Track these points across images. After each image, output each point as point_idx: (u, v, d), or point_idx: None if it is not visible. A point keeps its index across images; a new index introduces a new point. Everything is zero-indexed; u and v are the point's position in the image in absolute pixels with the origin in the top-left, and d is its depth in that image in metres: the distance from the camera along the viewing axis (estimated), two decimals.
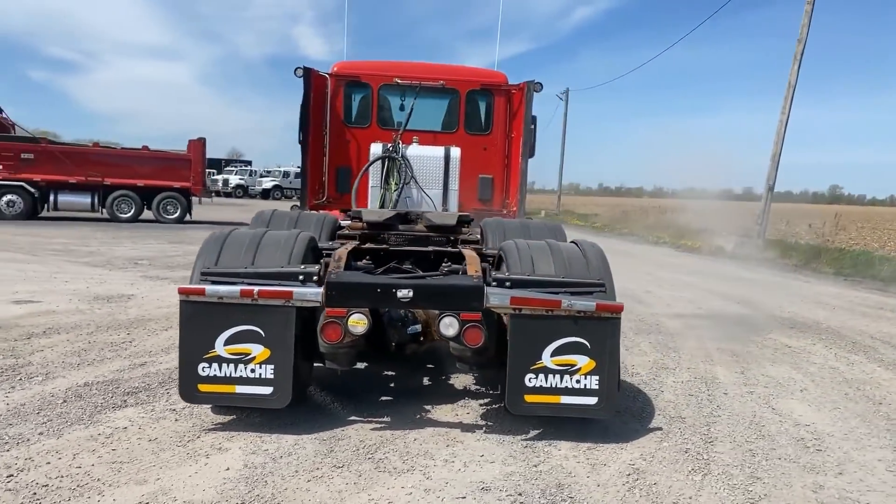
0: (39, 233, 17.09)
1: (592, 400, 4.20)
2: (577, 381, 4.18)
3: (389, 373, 5.72)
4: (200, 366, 4.09)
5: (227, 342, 4.09)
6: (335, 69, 8.48)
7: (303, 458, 3.85)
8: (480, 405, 4.95)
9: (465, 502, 3.41)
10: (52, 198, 21.48)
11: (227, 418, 4.43)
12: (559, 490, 3.59)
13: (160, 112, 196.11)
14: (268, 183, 54.21)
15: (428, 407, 4.83)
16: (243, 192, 54.34)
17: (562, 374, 4.17)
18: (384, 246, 5.24)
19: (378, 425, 4.42)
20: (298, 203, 8.28)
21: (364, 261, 4.70)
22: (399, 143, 7.77)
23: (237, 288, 4.06)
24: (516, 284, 4.32)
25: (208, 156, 25.62)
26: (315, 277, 4.17)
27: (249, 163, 63.35)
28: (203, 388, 4.12)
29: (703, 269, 16.13)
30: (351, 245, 5.06)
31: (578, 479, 3.73)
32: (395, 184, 7.65)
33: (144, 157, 22.80)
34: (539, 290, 4.26)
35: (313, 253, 4.66)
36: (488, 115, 8.62)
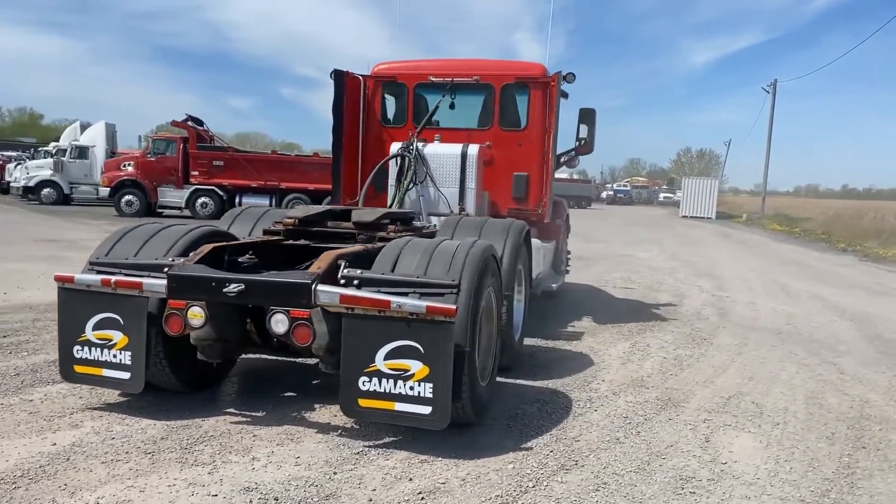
0: None
1: (426, 409, 3.88)
2: (411, 388, 3.89)
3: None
4: (75, 348, 4.42)
5: (95, 327, 4.38)
6: (373, 71, 8.60)
7: (126, 442, 4.00)
8: None
9: (205, 499, 3.34)
10: (237, 200, 24.01)
11: (120, 399, 4.73)
12: (318, 499, 3.38)
13: None
14: None
15: (316, 406, 4.77)
16: None
17: (395, 379, 3.91)
18: (283, 240, 5.28)
19: (241, 419, 4.46)
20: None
21: (247, 255, 4.75)
22: (414, 142, 7.70)
23: (98, 277, 4.35)
24: (365, 283, 4.13)
25: None
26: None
27: None
28: (78, 368, 4.44)
29: (862, 283, 13.90)
30: (261, 239, 5.17)
31: (359, 493, 3.49)
32: (410, 182, 7.60)
33: (315, 163, 24.61)
34: (377, 290, 4.04)
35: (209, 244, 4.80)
36: (524, 110, 8.20)
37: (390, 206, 7.59)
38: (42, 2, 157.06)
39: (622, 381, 5.68)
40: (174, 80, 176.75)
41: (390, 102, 8.61)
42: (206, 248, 4.53)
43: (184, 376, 4.70)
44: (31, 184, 29.05)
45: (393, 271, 4.19)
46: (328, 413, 4.62)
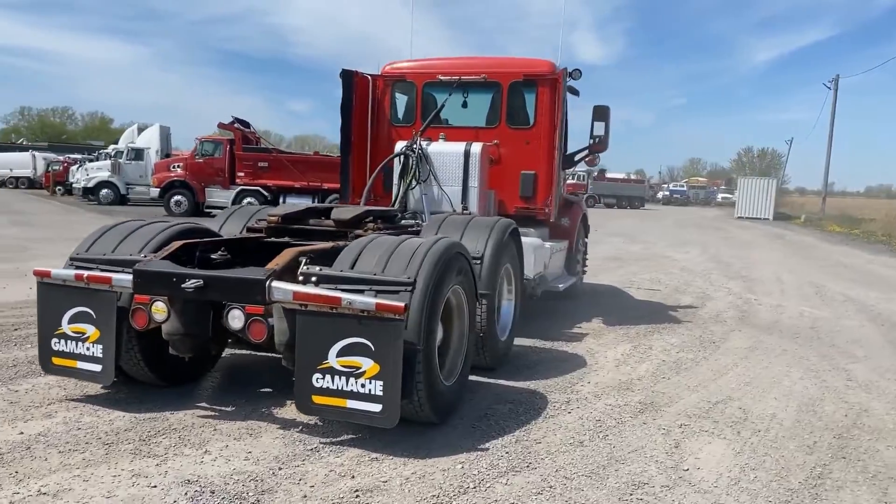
0: None
1: (377, 407, 3.87)
2: (363, 386, 3.89)
3: None
4: (53, 341, 4.57)
5: (70, 321, 4.52)
6: (383, 70, 8.62)
7: (89, 433, 4.10)
8: None
9: (143, 490, 3.40)
10: (280, 200, 24.45)
11: (100, 392, 4.87)
12: (254, 494, 3.40)
13: None
14: None
15: (287, 402, 4.79)
16: None
17: (347, 376, 3.91)
18: (258, 235, 5.34)
19: (210, 413, 4.53)
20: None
21: (219, 252, 4.82)
22: (417, 141, 7.70)
23: (72, 272, 4.49)
24: (322, 280, 4.14)
25: None
26: None
27: None
28: (55, 360, 4.59)
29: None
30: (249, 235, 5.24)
31: (297, 489, 3.49)
32: (413, 181, 7.60)
33: None
34: (335, 287, 4.05)
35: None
36: (531, 108, 8.09)
37: (393, 205, 7.60)
38: (114, 11, 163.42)
39: (609, 384, 5.54)
40: (236, 83, 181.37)
41: (400, 102, 8.62)
42: (176, 244, 4.62)
43: (160, 370, 4.80)
44: (91, 185, 30.28)
45: (352, 269, 4.19)
46: (295, 410, 4.64)
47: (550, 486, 3.62)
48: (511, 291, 6.15)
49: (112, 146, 34.98)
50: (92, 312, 4.46)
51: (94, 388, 4.90)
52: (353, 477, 3.65)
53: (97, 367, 4.46)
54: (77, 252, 4.78)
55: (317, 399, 3.98)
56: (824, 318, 9.02)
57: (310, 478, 3.62)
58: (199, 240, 4.84)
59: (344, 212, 5.54)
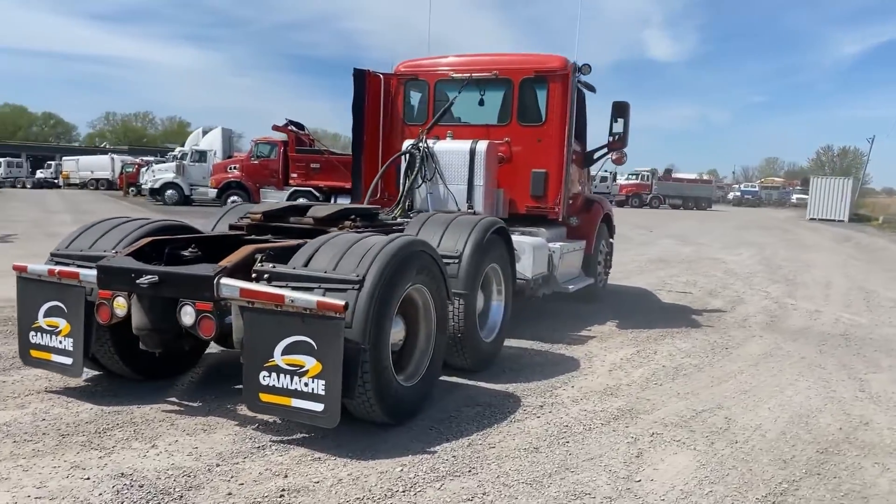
0: None
1: (319, 406, 3.82)
2: (306, 385, 3.85)
3: None
4: (31, 334, 4.71)
5: (45, 314, 4.65)
6: (396, 69, 8.60)
7: (52, 424, 4.21)
8: None
9: (76, 482, 3.45)
10: (332, 200, 24.80)
11: (82, 384, 5.00)
12: (181, 490, 3.41)
13: None
14: None
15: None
16: None
17: (292, 374, 3.88)
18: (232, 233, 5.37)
19: (175, 408, 4.59)
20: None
21: (189, 250, 4.86)
22: (423, 139, 7.64)
23: (46, 267, 4.62)
24: (274, 278, 4.13)
25: None
26: None
27: None
28: (33, 353, 4.73)
29: None
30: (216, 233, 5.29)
31: (224, 486, 3.48)
32: (415, 180, 7.55)
33: None
34: (285, 284, 4.03)
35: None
36: (543, 105, 7.91)
37: (397, 205, 7.56)
38: (194, 19, 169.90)
39: (593, 389, 5.34)
40: (309, 87, 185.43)
41: (413, 100, 8.57)
42: (144, 241, 4.69)
43: (134, 364, 4.89)
44: (157, 186, 31.49)
45: (306, 266, 4.16)
46: None
47: (484, 493, 3.50)
48: (500, 292, 6.01)
49: (179, 149, 36.30)
50: (64, 307, 4.58)
51: (76, 381, 5.04)
52: (286, 476, 3.61)
53: (68, 361, 4.58)
54: (57, 248, 4.92)
55: (264, 397, 3.96)
56: (861, 324, 8.48)
57: (243, 475, 3.61)
58: (169, 237, 4.90)
59: (321, 209, 5.53)
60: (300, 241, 4.67)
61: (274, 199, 25.27)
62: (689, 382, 5.64)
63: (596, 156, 8.85)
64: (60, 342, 4.60)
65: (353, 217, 5.49)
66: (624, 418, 4.70)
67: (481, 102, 8.33)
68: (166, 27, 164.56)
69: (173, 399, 4.78)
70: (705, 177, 67.35)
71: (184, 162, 31.35)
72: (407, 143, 7.73)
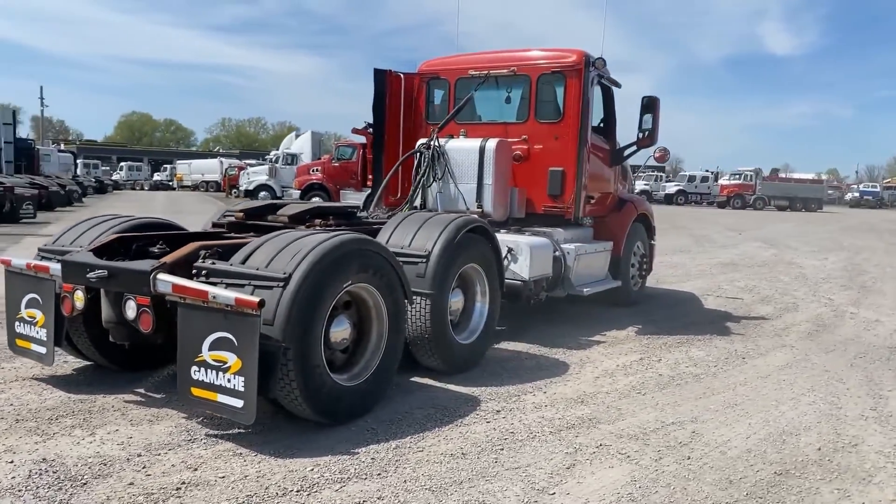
0: None
1: (239, 403, 3.85)
2: (229, 381, 3.89)
3: None
4: (15, 324, 5.02)
5: (26, 306, 4.94)
6: (419, 68, 8.57)
7: (15, 409, 4.43)
8: None
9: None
10: None
11: (68, 371, 5.27)
12: (88, 477, 3.51)
13: (619, 123, 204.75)
14: (672, 188, 53.17)
15: None
16: (647, 197, 54.15)
17: (217, 370, 3.93)
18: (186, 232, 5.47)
19: (138, 398, 4.75)
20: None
21: (158, 246, 5.00)
22: (434, 138, 7.58)
23: (24, 261, 4.90)
24: (212, 274, 4.20)
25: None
26: None
27: (661, 168, 62.75)
28: (18, 342, 5.02)
29: None
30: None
31: (130, 475, 3.57)
32: (423, 179, 7.51)
33: None
34: (217, 280, 4.09)
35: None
36: (561, 101, 7.65)
37: (406, 204, 7.55)
38: (305, 27, 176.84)
39: (566, 396, 5.11)
40: None
41: (435, 99, 8.52)
42: (111, 237, 4.89)
43: (110, 355, 5.09)
44: (251, 188, 32.93)
45: (243, 264, 4.21)
46: None
47: (380, 498, 3.41)
48: (485, 293, 5.85)
49: (274, 152, 37.81)
50: (39, 298, 4.84)
51: (66, 369, 5.33)
52: (195, 470, 3.66)
53: (43, 350, 4.83)
54: (45, 243, 5.21)
55: (194, 391, 4.03)
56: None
57: (156, 467, 3.68)
58: (140, 234, 5.07)
59: (293, 207, 5.58)
60: (246, 238, 4.72)
61: (353, 199, 25.77)
62: (678, 393, 5.29)
63: (626, 153, 8.48)
64: (37, 332, 4.86)
65: (326, 215, 5.50)
66: (579, 427, 4.47)
67: (505, 100, 8.20)
68: (279, 36, 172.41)
69: (140, 390, 4.94)
70: (824, 177, 63.36)
71: (276, 165, 32.63)
72: (420, 142, 7.69)
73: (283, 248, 4.20)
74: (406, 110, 8.42)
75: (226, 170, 47.06)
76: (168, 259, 4.29)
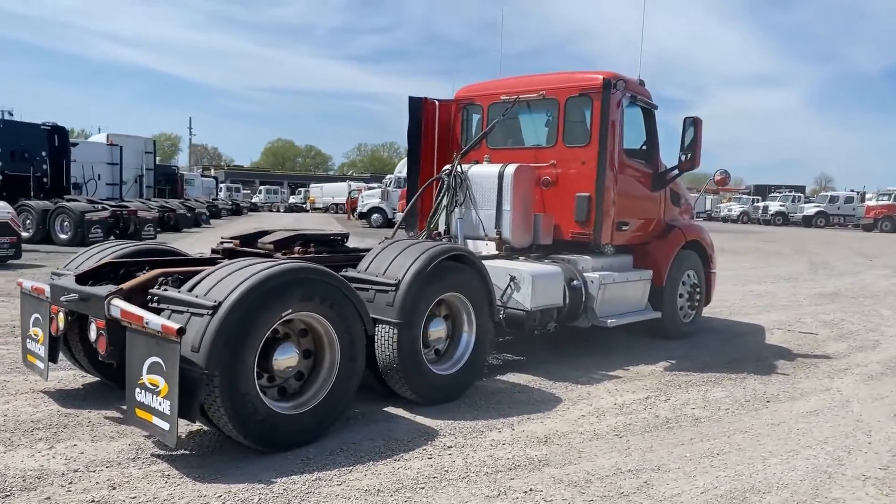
0: None
1: (166, 426, 4.00)
2: (160, 404, 4.05)
3: None
4: (27, 341, 5.49)
5: (32, 325, 5.39)
6: (456, 94, 8.56)
7: (6, 419, 4.87)
8: None
9: None
10: None
11: (74, 386, 5.69)
12: (17, 490, 3.76)
13: (760, 140, 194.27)
14: (811, 209, 49.56)
15: None
16: (783, 219, 50.77)
17: (152, 393, 4.11)
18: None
19: (117, 415, 5.03)
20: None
21: (143, 271, 5.28)
22: (456, 164, 7.54)
23: (30, 283, 5.35)
24: (163, 301, 4.40)
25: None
26: None
27: (801, 188, 58.70)
28: (28, 357, 5.48)
29: None
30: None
31: (50, 490, 3.78)
32: (440, 204, 7.50)
33: None
34: (165, 307, 4.28)
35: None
36: (588, 124, 7.36)
37: (427, 229, 7.55)
38: (438, 53, 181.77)
39: (532, 434, 4.87)
40: None
41: (471, 124, 8.48)
42: (100, 262, 5.23)
43: (105, 371, 5.42)
44: (364, 210, 34.10)
45: (191, 291, 4.38)
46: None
47: None
48: (472, 323, 5.70)
49: (388, 176, 38.96)
50: (41, 318, 5.26)
51: (76, 384, 5.74)
52: (113, 488, 3.81)
53: (42, 366, 5.25)
54: (57, 267, 5.67)
55: (138, 412, 4.21)
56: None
57: (80, 484, 3.87)
58: (130, 259, 5.39)
59: (278, 235, 5.72)
60: (204, 266, 4.90)
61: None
62: (661, 437, 4.90)
63: (669, 177, 8.03)
64: (39, 349, 5.28)
65: (307, 243, 5.61)
66: (522, 469, 4.24)
67: (534, 124, 8.06)
68: (413, 63, 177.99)
69: (124, 407, 5.22)
70: None
71: (388, 188, 33.60)
72: (445, 168, 7.69)
73: (226, 277, 4.32)
74: (442, 137, 8.42)
75: (350, 193, 49.02)
76: (126, 285, 4.54)
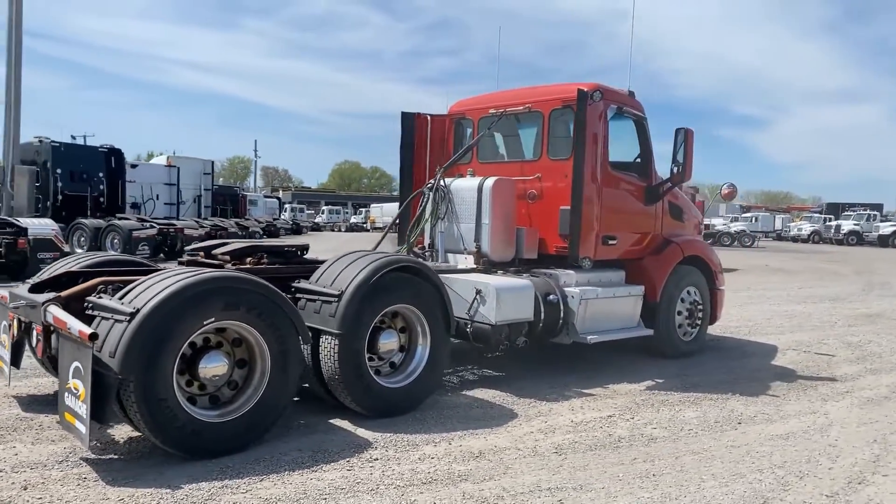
0: None
1: (84, 429, 4.07)
2: (80, 407, 4.15)
3: None
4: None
5: (3, 331, 5.62)
6: (449, 109, 8.53)
7: None
8: None
9: None
10: None
11: (43, 392, 5.89)
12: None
13: (841, 157, 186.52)
14: (888, 228, 47.10)
15: None
16: (857, 238, 48.34)
17: (74, 396, 4.21)
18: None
19: None
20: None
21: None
22: (438, 178, 7.52)
23: (3, 292, 5.59)
24: (94, 308, 4.52)
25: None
26: None
27: (878, 206, 55.82)
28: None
29: None
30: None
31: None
32: (433, 218, 7.47)
33: None
34: (97, 314, 4.39)
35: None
36: (570, 137, 7.20)
37: (408, 242, 7.53)
38: (504, 74, 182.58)
39: (469, 449, 4.75)
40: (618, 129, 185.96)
41: (463, 139, 8.44)
42: (59, 273, 5.42)
43: None
44: None
45: (122, 299, 4.48)
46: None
47: None
48: (425, 335, 5.63)
49: None
50: (7, 325, 5.49)
51: (50, 389, 5.93)
52: (24, 489, 3.92)
53: (6, 370, 5.47)
54: (40, 277, 5.90)
55: (66, 416, 4.32)
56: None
57: (7, 485, 3.99)
58: (90, 269, 5.55)
59: (234, 246, 5.80)
60: (141, 276, 5.00)
61: None
62: (603, 456, 4.70)
63: (662, 190, 7.77)
64: (5, 354, 5.51)
65: (261, 254, 5.67)
66: (436, 483, 4.14)
67: (522, 137, 7.99)
68: (480, 84, 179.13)
69: None
70: None
71: None
72: (429, 182, 7.68)
73: (152, 286, 4.41)
74: (434, 151, 8.41)
75: None
76: (65, 293, 4.68)
